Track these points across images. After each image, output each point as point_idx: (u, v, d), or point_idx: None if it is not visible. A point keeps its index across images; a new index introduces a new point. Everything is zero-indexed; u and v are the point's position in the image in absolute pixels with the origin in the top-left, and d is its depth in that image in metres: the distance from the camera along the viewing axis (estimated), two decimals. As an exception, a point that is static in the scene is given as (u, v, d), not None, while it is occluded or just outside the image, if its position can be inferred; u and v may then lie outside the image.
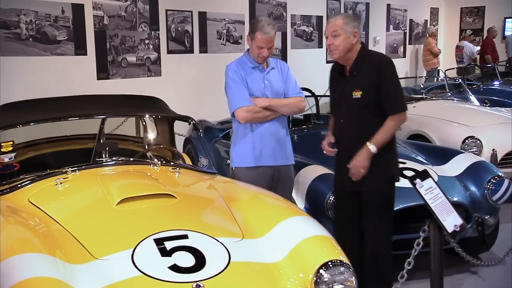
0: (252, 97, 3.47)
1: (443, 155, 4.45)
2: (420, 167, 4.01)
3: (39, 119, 3.35)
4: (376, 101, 3.11)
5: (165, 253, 2.25)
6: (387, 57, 3.24)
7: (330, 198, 3.62)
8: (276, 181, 3.61)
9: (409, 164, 4.14)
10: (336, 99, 3.34)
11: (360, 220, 3.28)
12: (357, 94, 3.12)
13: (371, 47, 11.07)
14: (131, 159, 3.42)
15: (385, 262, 3.29)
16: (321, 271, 2.23)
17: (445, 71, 8.93)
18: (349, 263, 2.30)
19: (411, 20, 12.54)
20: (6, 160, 3.28)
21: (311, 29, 9.65)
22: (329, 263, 2.26)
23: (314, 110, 5.75)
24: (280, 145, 3.58)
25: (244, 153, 3.55)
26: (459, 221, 2.85)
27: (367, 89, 3.10)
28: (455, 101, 7.10)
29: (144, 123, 4.48)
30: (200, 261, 2.23)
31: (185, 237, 2.36)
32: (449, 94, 7.43)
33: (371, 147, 3.08)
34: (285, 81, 3.62)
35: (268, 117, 3.51)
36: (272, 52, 3.55)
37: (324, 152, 3.36)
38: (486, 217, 3.93)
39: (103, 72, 6.51)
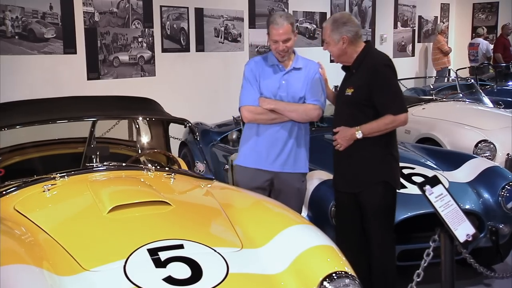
0: (260, 97, 3.49)
1: (454, 160, 4.45)
2: (430, 173, 4.02)
3: (26, 121, 3.34)
4: (365, 100, 3.22)
5: (159, 264, 2.25)
6: (386, 58, 3.32)
7: (335, 206, 3.61)
8: (278, 190, 3.59)
9: (418, 169, 4.15)
10: (337, 96, 3.51)
11: (362, 226, 3.35)
12: (349, 92, 3.28)
13: (377, 45, 11.08)
14: (124, 164, 3.42)
15: (392, 274, 3.33)
16: (325, 283, 2.23)
17: (457, 70, 8.93)
18: (354, 274, 2.30)
19: (420, 17, 12.56)
20: (-9, 165, 3.29)
21: (314, 26, 9.67)
22: (334, 274, 2.25)
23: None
24: (287, 151, 3.52)
25: (247, 153, 3.59)
26: (471, 230, 2.85)
27: (358, 87, 3.24)
28: (467, 102, 7.09)
29: (137, 126, 4.49)
30: (196, 273, 2.23)
31: (180, 247, 2.36)
32: (461, 95, 7.43)
33: (358, 132, 3.22)
34: (308, 85, 3.53)
35: (274, 120, 3.48)
36: (291, 47, 3.49)
37: None
38: (500, 226, 3.93)
39: (93, 72, 6.52)
